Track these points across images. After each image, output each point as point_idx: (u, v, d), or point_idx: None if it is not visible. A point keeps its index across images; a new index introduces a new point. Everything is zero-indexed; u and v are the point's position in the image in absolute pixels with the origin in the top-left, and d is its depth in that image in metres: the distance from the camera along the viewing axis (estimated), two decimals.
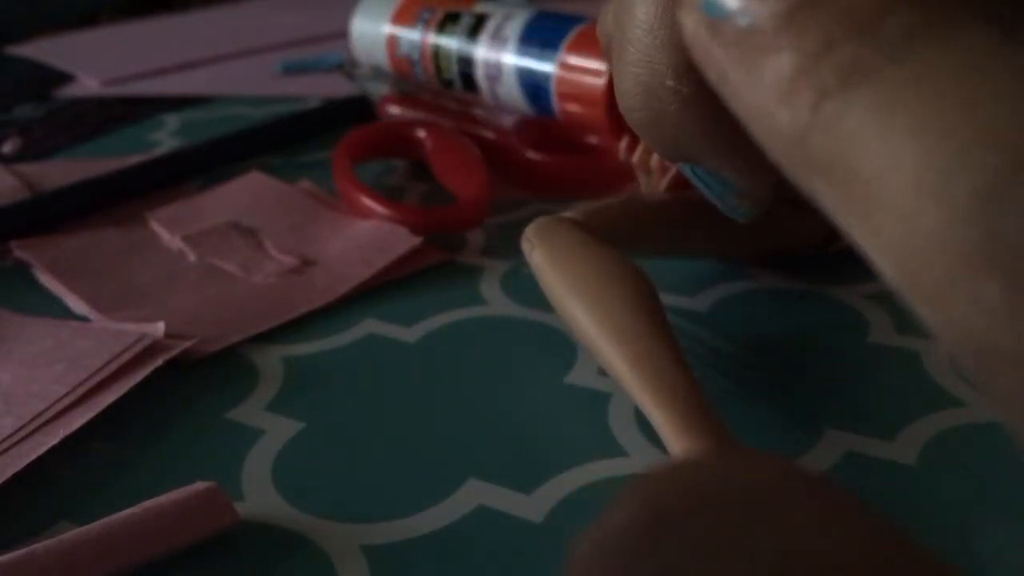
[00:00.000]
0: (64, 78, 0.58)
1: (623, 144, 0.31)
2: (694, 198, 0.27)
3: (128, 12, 0.77)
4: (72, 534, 0.18)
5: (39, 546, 0.18)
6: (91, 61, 0.61)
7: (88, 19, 0.75)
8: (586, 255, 0.23)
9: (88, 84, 0.57)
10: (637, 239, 0.25)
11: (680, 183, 0.27)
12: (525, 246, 0.24)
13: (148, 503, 0.19)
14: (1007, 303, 0.11)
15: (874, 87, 0.12)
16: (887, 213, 0.12)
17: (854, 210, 0.13)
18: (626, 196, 0.26)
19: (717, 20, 0.15)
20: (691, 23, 0.16)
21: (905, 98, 0.12)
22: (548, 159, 0.37)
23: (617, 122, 0.38)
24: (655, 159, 0.29)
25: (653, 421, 0.20)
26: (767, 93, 0.14)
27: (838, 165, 0.13)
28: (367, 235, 0.32)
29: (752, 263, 0.30)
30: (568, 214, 0.25)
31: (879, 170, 0.12)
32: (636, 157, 0.30)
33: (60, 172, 0.40)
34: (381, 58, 0.49)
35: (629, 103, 0.19)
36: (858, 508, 0.10)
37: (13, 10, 0.74)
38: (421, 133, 0.38)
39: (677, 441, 0.19)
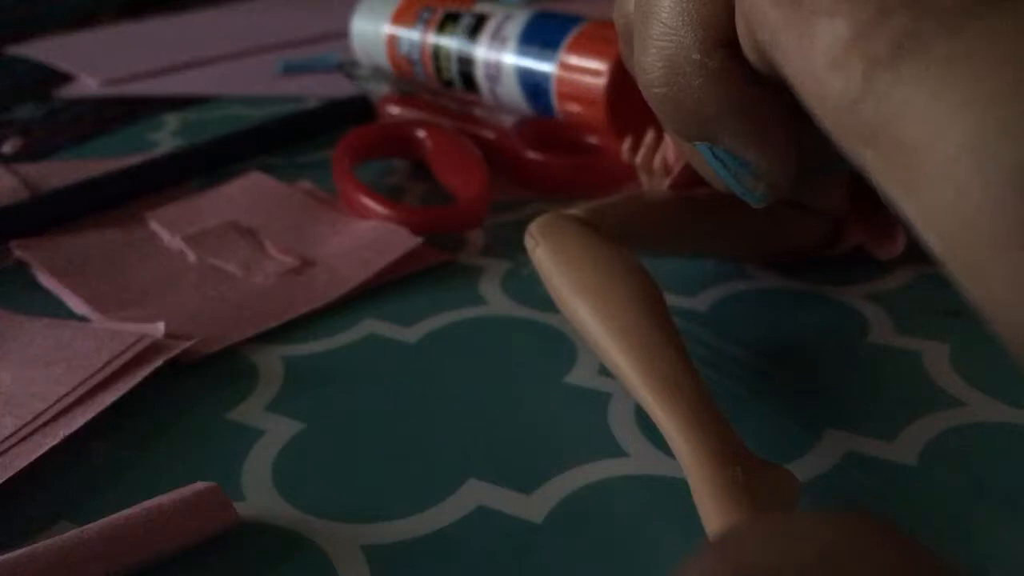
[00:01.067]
0: (64, 78, 0.58)
1: (626, 145, 0.31)
2: (698, 197, 0.27)
3: (128, 12, 0.77)
4: (72, 534, 0.18)
5: (39, 546, 0.18)
6: (91, 61, 0.61)
7: (88, 19, 0.75)
8: (589, 252, 0.23)
9: (88, 84, 0.57)
10: (640, 237, 0.25)
11: (682, 184, 0.27)
12: (528, 242, 0.24)
13: (148, 503, 0.19)
14: None
15: (927, 59, 0.12)
16: (932, 184, 0.12)
17: (900, 180, 0.13)
18: (629, 194, 0.26)
19: None
20: None
21: (957, 71, 0.12)
22: (548, 159, 0.37)
23: (617, 122, 0.38)
24: (658, 160, 0.29)
25: (656, 420, 0.20)
26: (819, 59, 0.14)
27: (886, 135, 0.13)
28: (367, 235, 0.32)
29: (755, 264, 0.30)
30: (571, 211, 0.25)
31: (926, 141, 0.12)
32: (639, 158, 0.29)
33: (60, 172, 0.40)
34: (381, 58, 0.49)
35: (651, 78, 0.19)
36: (926, 555, 0.10)
37: (14, 10, 0.74)
38: (421, 133, 0.38)
39: (681, 440, 0.19)
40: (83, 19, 0.75)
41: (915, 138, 0.12)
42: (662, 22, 0.18)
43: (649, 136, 0.29)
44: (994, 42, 0.12)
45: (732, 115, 0.19)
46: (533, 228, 0.24)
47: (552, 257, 0.23)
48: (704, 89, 0.18)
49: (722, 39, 0.18)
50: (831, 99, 0.14)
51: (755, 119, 0.19)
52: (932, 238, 0.12)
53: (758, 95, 0.19)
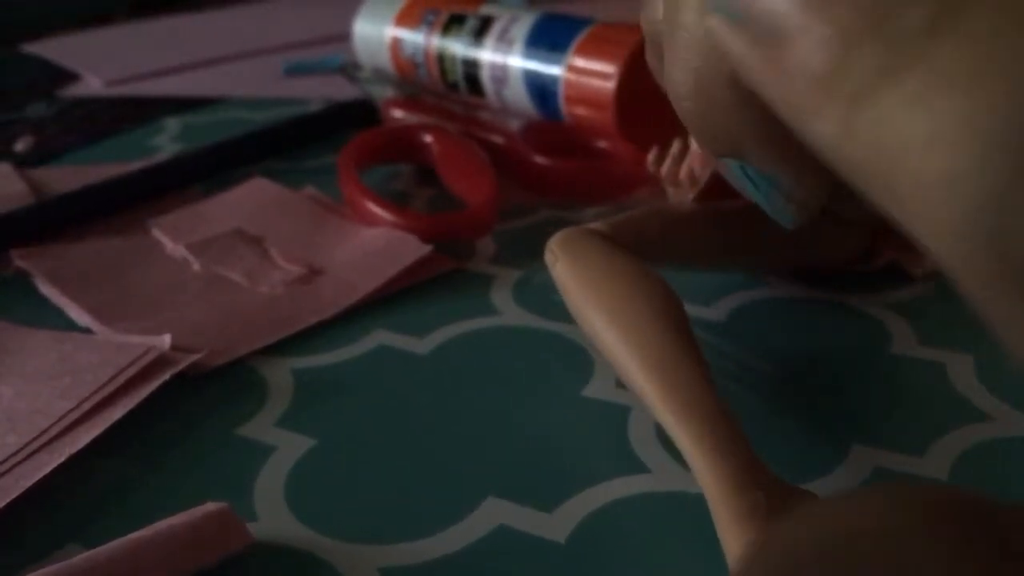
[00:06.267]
0: (72, 77, 0.58)
1: (651, 157, 0.30)
2: (724, 210, 0.26)
3: (141, 12, 0.76)
4: (81, 558, 0.18)
5: (47, 570, 0.17)
6: (96, 61, 0.60)
7: (101, 18, 0.74)
8: (611, 268, 0.22)
9: (92, 84, 0.56)
10: (664, 251, 0.24)
11: (709, 196, 0.26)
12: (548, 258, 0.24)
13: (159, 525, 0.19)
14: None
15: (900, 94, 0.12)
16: (919, 217, 0.12)
17: (893, 209, 0.13)
18: (652, 207, 0.26)
19: (736, 23, 0.15)
20: (713, 24, 0.16)
21: (928, 99, 0.12)
22: (556, 164, 0.36)
23: (626, 126, 0.38)
24: (684, 171, 0.28)
25: (677, 441, 0.19)
26: (799, 98, 0.14)
27: (872, 167, 0.13)
28: (375, 243, 0.31)
29: (781, 275, 0.29)
30: (593, 225, 0.24)
31: (905, 173, 0.12)
32: (664, 169, 0.29)
33: (71, 177, 0.39)
34: (384, 60, 0.48)
35: (679, 91, 0.18)
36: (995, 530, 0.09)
37: (28, 8, 0.73)
38: (428, 138, 0.37)
39: (701, 463, 0.18)
40: (97, 18, 0.75)
41: (894, 172, 0.12)
42: (689, 33, 0.18)
43: (675, 147, 0.28)
44: (959, 67, 0.12)
45: (763, 132, 0.18)
46: (553, 244, 0.24)
47: (573, 273, 0.22)
48: (733, 103, 0.18)
49: None
50: (818, 139, 0.14)
51: (786, 135, 0.18)
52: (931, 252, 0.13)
53: None
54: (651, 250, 0.24)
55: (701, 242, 0.25)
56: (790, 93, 0.14)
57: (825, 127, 0.13)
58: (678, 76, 0.18)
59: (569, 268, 0.23)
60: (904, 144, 0.12)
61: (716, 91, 0.18)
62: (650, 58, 0.22)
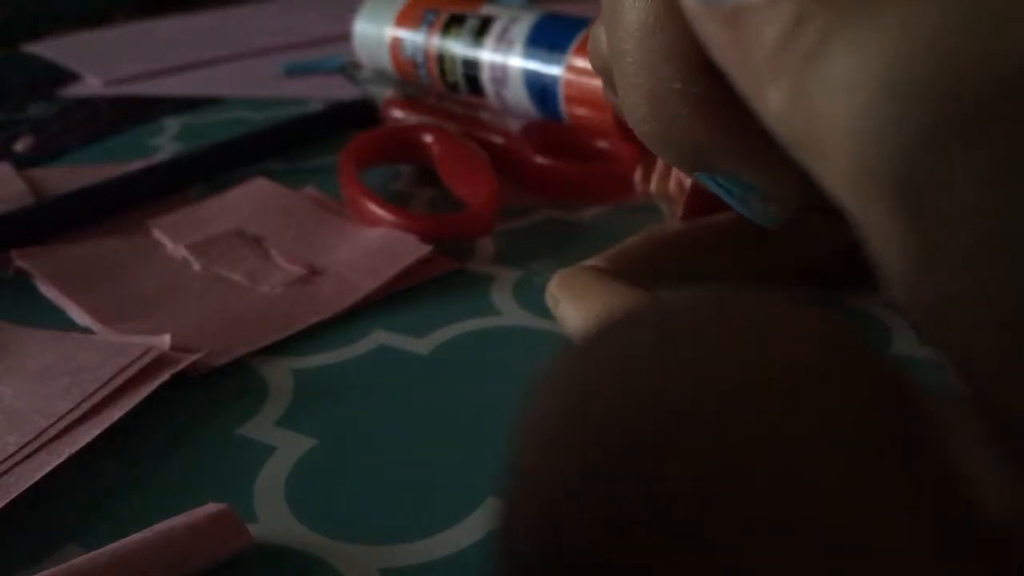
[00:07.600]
0: (73, 77, 0.58)
1: (638, 176, 0.30)
2: (713, 224, 0.26)
3: (145, 11, 0.76)
4: (81, 560, 0.18)
5: (46, 573, 0.17)
6: (96, 60, 0.60)
7: (104, 18, 0.74)
8: (612, 302, 0.22)
9: (91, 84, 0.56)
10: (664, 274, 0.24)
11: (694, 213, 0.26)
12: (549, 300, 0.24)
13: (159, 526, 0.19)
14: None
15: (833, 51, 0.12)
16: (837, 173, 0.12)
17: (822, 172, 0.13)
18: (646, 233, 0.26)
19: (708, 4, 0.15)
20: (690, 6, 0.16)
21: (855, 53, 0.12)
22: (557, 164, 0.36)
23: (626, 126, 0.38)
24: (672, 185, 0.28)
25: None
26: (756, 74, 0.14)
27: (810, 133, 0.13)
28: (375, 243, 0.31)
29: (785, 281, 0.29)
30: (589, 262, 0.24)
31: (829, 127, 0.12)
32: (653, 186, 0.29)
33: (72, 177, 0.39)
34: (385, 60, 0.48)
35: (637, 116, 0.19)
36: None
37: (28, 8, 0.73)
38: (428, 138, 0.37)
39: None
40: (101, 17, 0.75)
41: (826, 142, 0.13)
42: (634, 58, 0.18)
43: (659, 162, 0.28)
44: (889, 18, 0.12)
45: (725, 140, 0.18)
46: (552, 286, 0.24)
47: (575, 312, 0.22)
48: (693, 117, 0.18)
49: (701, 61, 0.17)
50: (771, 116, 0.14)
51: (751, 139, 0.18)
52: (847, 210, 0.13)
53: (749, 113, 0.18)
54: (648, 277, 0.24)
55: (698, 259, 0.25)
56: (749, 70, 0.14)
57: (776, 101, 0.13)
58: (633, 100, 0.18)
59: (572, 307, 0.23)
60: (831, 99, 0.12)
61: (671, 108, 0.18)
62: (608, 95, 0.22)
